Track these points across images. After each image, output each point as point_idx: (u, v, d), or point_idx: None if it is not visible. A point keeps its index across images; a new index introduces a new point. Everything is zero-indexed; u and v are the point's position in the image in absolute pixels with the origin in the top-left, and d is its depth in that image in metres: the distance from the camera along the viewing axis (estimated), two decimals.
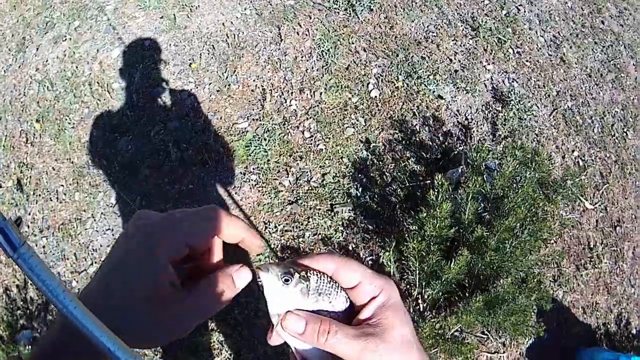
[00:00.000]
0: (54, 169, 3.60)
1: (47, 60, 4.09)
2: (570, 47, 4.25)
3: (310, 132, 3.50)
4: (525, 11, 4.33)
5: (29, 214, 3.48)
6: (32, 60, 4.13)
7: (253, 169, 3.39)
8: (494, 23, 4.13)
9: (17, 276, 3.27)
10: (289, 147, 3.44)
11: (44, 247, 3.35)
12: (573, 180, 3.39)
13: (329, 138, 3.46)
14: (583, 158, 3.74)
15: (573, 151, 3.75)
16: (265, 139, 3.46)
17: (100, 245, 3.30)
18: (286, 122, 3.54)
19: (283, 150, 3.43)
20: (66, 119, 3.76)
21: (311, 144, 3.46)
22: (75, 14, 4.29)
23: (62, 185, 3.54)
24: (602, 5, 4.72)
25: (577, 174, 3.47)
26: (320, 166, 3.39)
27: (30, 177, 3.61)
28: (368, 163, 3.41)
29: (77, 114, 3.78)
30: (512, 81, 3.88)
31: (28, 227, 3.43)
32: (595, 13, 4.65)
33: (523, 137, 3.64)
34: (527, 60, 4.02)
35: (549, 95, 3.92)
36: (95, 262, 3.27)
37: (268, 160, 3.40)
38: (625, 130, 3.98)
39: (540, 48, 4.14)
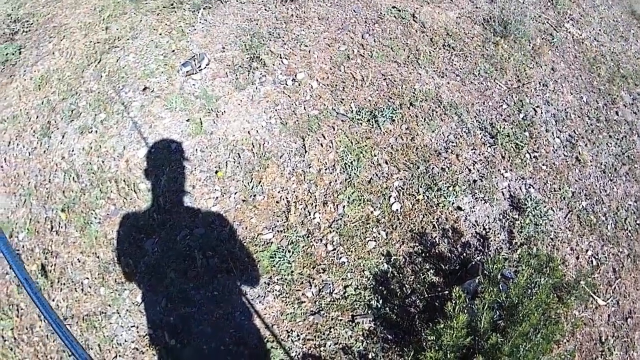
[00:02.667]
0: (79, 261, 3.78)
1: (72, 150, 4.30)
2: (586, 145, 4.47)
3: (333, 245, 3.71)
4: (542, 112, 4.56)
5: (53, 300, 3.64)
6: (58, 148, 4.35)
7: (277, 279, 3.60)
8: (511, 128, 4.36)
9: (38, 356, 3.44)
10: (312, 260, 3.65)
11: None
12: (586, 280, 3.59)
13: (351, 251, 3.68)
14: (596, 256, 3.93)
15: (587, 251, 3.94)
16: (289, 251, 3.67)
17: (125, 340, 3.46)
18: (310, 235, 3.75)
19: (306, 263, 3.64)
20: (92, 213, 3.95)
21: (334, 257, 3.67)
22: (101, 106, 4.52)
23: (87, 278, 3.71)
24: (616, 95, 4.95)
25: (589, 273, 3.68)
26: (343, 278, 3.60)
27: (55, 264, 3.78)
28: (389, 275, 3.61)
29: (103, 210, 3.98)
30: (529, 187, 4.09)
31: None
32: (610, 104, 4.88)
33: (538, 243, 3.85)
34: (543, 164, 4.23)
35: (564, 198, 4.14)
36: (120, 356, 3.43)
37: (292, 271, 3.61)
38: (638, 222, 4.21)
39: (556, 149, 4.36)
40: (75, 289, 3.67)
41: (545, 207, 4.00)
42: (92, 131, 4.39)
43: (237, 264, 3.64)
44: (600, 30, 5.77)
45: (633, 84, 5.26)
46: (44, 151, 4.35)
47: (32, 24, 5.67)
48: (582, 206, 4.12)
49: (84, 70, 4.90)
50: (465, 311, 2.61)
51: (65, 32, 5.39)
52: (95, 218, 3.93)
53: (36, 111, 4.66)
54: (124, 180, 4.07)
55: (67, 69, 4.95)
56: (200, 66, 4.69)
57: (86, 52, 5.09)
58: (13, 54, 5.27)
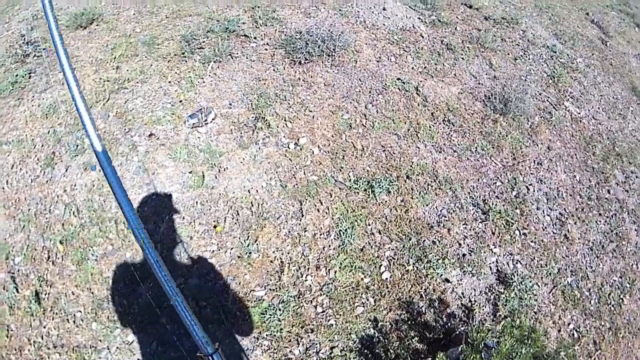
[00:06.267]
0: (73, 294, 4.00)
1: (75, 185, 4.56)
2: (575, 223, 4.81)
3: (323, 307, 4.01)
4: (534, 190, 4.92)
5: (44, 327, 3.85)
6: (60, 180, 4.60)
7: (266, 335, 3.86)
8: (503, 205, 4.72)
9: None
10: (302, 320, 3.94)
11: None
12: (566, 352, 3.89)
13: (340, 315, 3.97)
14: (578, 329, 4.23)
15: (569, 324, 4.24)
16: (280, 309, 3.95)
17: None
18: (301, 296, 4.05)
19: (296, 322, 3.92)
20: (90, 250, 4.19)
21: (322, 318, 3.96)
22: (106, 145, 4.76)
23: (80, 311, 3.92)
24: (609, 173, 5.31)
25: (570, 345, 3.99)
26: (330, 340, 3.87)
27: (49, 293, 4.00)
28: (374, 340, 3.90)
29: (100, 248, 4.22)
30: (516, 262, 4.41)
31: (42, 338, 3.80)
32: (602, 183, 5.24)
33: (522, 316, 4.13)
34: (532, 241, 4.57)
35: (550, 273, 4.45)
36: None
37: (281, 329, 3.88)
38: (621, 296, 4.52)
39: (545, 227, 4.71)
40: (68, 320, 3.88)
41: (530, 282, 4.30)
42: (95, 169, 4.64)
43: (229, 316, 3.89)
44: (599, 108, 6.19)
45: (627, 162, 5.64)
46: (47, 181, 4.60)
47: (44, 49, 5.97)
48: (567, 282, 4.43)
49: (92, 106, 5.17)
50: None
51: (76, 64, 5.68)
52: (93, 255, 4.17)
53: (42, 139, 4.92)
54: (124, 223, 4.31)
55: None
56: (206, 120, 5.00)
57: (95, 89, 5.38)
58: (23, 77, 5.56)
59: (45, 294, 3.98)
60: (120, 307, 3.92)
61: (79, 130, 4.93)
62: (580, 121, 5.89)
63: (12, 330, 3.82)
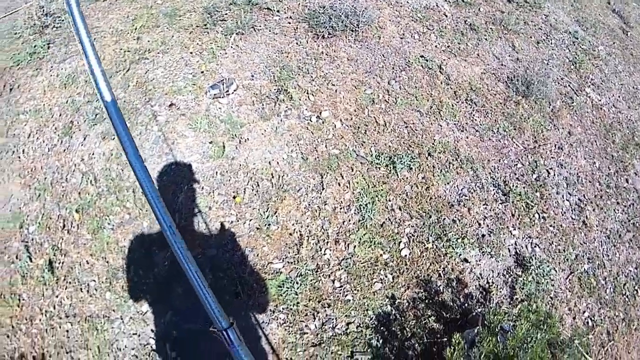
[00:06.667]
0: (87, 263, 3.98)
1: (93, 154, 4.54)
2: (593, 210, 4.75)
3: (341, 282, 3.97)
4: (554, 174, 4.85)
5: (57, 297, 3.83)
6: (78, 149, 4.59)
7: (282, 308, 3.83)
8: (524, 187, 4.65)
9: (35, 348, 3.63)
10: (319, 294, 3.90)
11: (67, 331, 3.69)
12: (580, 340, 3.85)
13: (357, 290, 3.93)
14: (593, 318, 4.17)
15: (584, 312, 4.18)
16: (297, 283, 3.92)
17: (125, 346, 3.65)
18: (319, 270, 4.01)
19: (313, 296, 3.89)
20: (106, 219, 4.17)
21: (340, 293, 3.92)
22: (125, 115, 4.72)
23: (94, 281, 3.91)
24: (628, 163, 5.24)
25: (584, 333, 3.95)
26: (346, 315, 3.83)
27: (62, 262, 3.98)
28: (391, 317, 3.86)
29: (117, 217, 4.20)
30: (535, 246, 4.35)
31: (54, 308, 3.78)
32: (621, 171, 5.16)
33: (538, 301, 4.08)
34: (550, 225, 4.51)
35: (567, 259, 4.39)
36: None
37: (298, 302, 3.85)
38: (636, 287, 4.45)
39: (564, 212, 4.64)
40: (81, 289, 3.86)
41: (548, 266, 4.24)
42: (114, 138, 4.62)
43: (245, 288, 3.87)
44: (619, 96, 6.10)
45: None
46: (64, 150, 4.59)
47: (63, 20, 5.93)
48: (584, 269, 4.37)
49: (112, 76, 5.14)
50: (463, 358, 2.87)
51: (97, 34, 5.65)
52: (109, 224, 4.15)
53: (60, 109, 4.90)
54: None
55: None
56: (228, 91, 4.96)
57: (115, 59, 5.36)
58: (42, 47, 5.53)
59: (59, 263, 3.96)
60: (136, 277, 3.90)
61: (98, 100, 4.87)
62: (601, 108, 5.81)
63: (23, 299, 3.80)
